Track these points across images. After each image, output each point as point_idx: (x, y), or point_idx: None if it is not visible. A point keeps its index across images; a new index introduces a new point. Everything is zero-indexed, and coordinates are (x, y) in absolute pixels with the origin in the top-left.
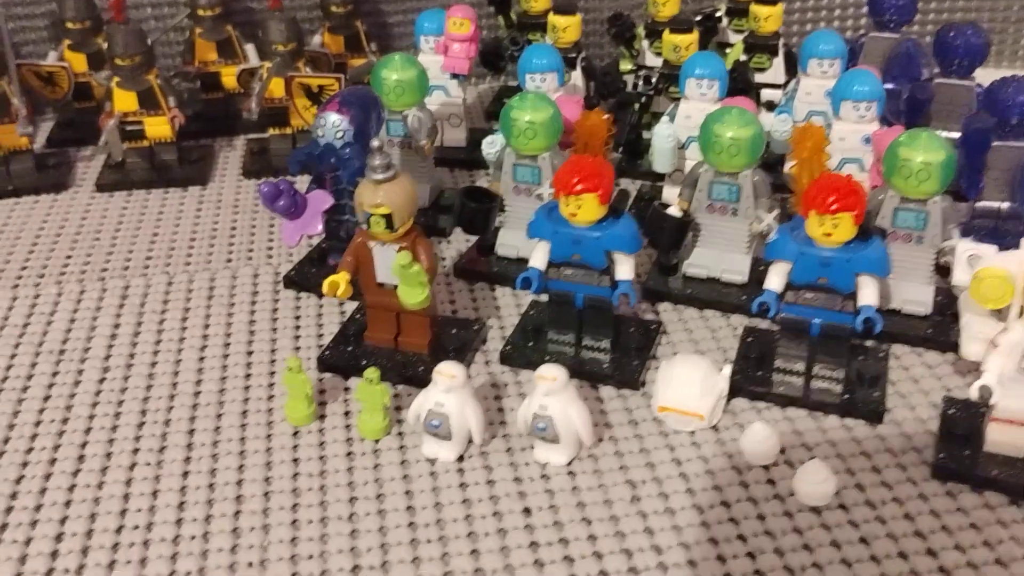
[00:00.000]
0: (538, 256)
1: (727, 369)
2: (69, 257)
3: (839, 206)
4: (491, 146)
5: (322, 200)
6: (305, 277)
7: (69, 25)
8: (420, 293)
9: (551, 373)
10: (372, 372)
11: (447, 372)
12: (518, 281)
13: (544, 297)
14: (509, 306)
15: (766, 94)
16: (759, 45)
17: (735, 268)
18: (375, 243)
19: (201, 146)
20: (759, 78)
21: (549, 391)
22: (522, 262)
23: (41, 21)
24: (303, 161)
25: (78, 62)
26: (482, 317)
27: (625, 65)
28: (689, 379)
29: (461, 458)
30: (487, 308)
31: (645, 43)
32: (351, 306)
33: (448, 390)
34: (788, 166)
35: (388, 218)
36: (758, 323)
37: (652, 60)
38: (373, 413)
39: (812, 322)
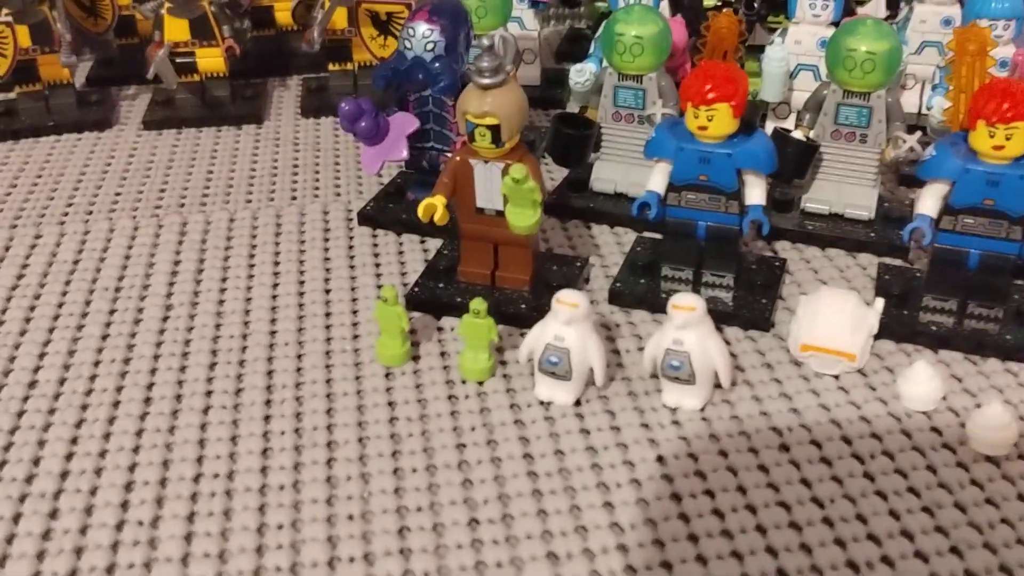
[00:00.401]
0: (657, 178)
1: (879, 303)
2: (119, 194)
3: (1014, 114)
4: (580, 74)
5: (407, 123)
6: (382, 213)
7: None
8: (532, 215)
9: (688, 302)
10: (478, 303)
11: (569, 301)
12: (634, 206)
13: (648, 233)
14: (609, 244)
15: None
16: None
17: (860, 203)
18: (477, 161)
19: (253, 83)
20: (859, 11)
21: (686, 323)
22: (621, 198)
23: None
24: (389, 77)
25: None
26: (582, 254)
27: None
28: (837, 314)
29: (578, 402)
30: (585, 247)
31: None
32: (435, 243)
33: (570, 321)
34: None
35: (495, 130)
36: (890, 262)
37: None
38: (478, 351)
39: (970, 252)
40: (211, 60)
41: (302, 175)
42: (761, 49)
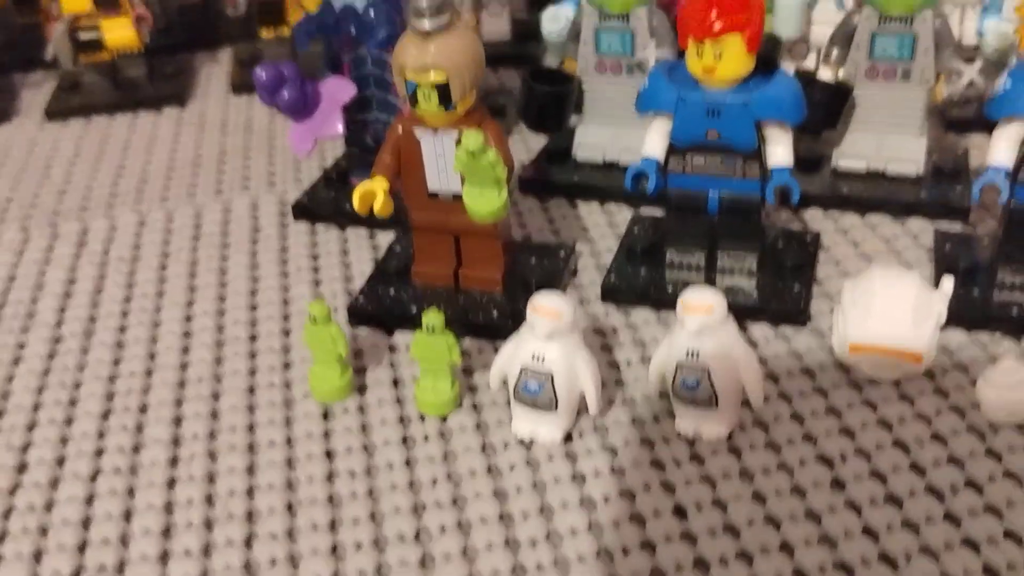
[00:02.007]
0: (654, 140)
1: (947, 284)
2: (10, 200)
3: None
4: (555, 21)
5: (341, 89)
6: (320, 203)
7: None
8: (496, 197)
9: (703, 301)
10: (433, 316)
11: (548, 309)
12: (628, 177)
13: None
14: (600, 226)
15: None
16: None
17: (906, 155)
18: (424, 131)
19: (176, 59)
20: None
21: (703, 327)
22: (610, 168)
23: None
24: (312, 33)
25: None
26: (566, 241)
27: None
28: (894, 303)
29: (568, 437)
30: (570, 230)
31: None
32: (386, 237)
33: (551, 335)
34: None
35: (443, 89)
36: (948, 227)
37: None
38: (437, 378)
39: None
40: (120, 33)
41: (230, 164)
42: None
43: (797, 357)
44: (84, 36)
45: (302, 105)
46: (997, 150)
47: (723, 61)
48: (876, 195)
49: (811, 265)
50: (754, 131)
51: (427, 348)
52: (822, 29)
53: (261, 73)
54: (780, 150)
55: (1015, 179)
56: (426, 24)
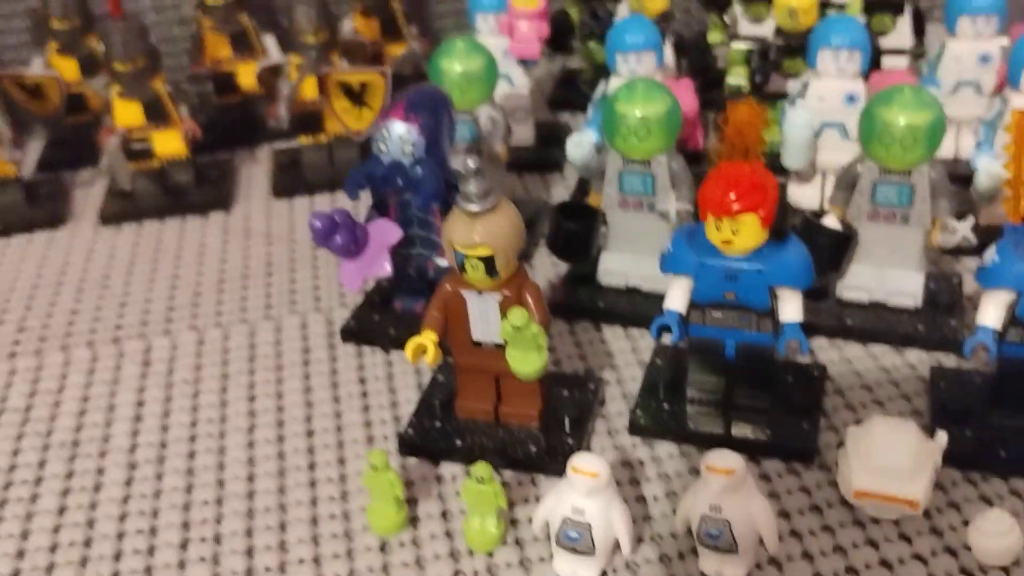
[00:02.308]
0: (676, 295)
1: (942, 437)
2: (75, 312)
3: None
4: (578, 148)
5: (388, 232)
6: (367, 327)
7: (55, 24)
8: (537, 359)
9: (727, 464)
10: (482, 468)
11: (587, 470)
12: (653, 329)
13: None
14: (624, 352)
15: (888, 62)
16: (881, 3)
17: (905, 289)
18: (470, 292)
19: (219, 162)
20: (881, 43)
21: (725, 488)
22: (632, 293)
23: (20, 21)
24: (363, 185)
25: (68, 68)
26: (593, 369)
27: (715, 36)
28: (894, 453)
29: (604, 574)
30: (596, 356)
31: (738, 9)
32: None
33: (590, 493)
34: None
35: (489, 261)
36: (942, 358)
37: (748, 29)
38: (485, 518)
39: None
40: (169, 143)
41: (277, 276)
42: (779, 97)
43: (807, 493)
44: (136, 146)
45: (353, 248)
46: (986, 313)
47: (740, 236)
48: (877, 326)
49: (818, 401)
50: (768, 293)
51: (476, 494)
52: (827, 156)
53: (316, 222)
54: (791, 307)
55: (1003, 338)
56: (474, 207)
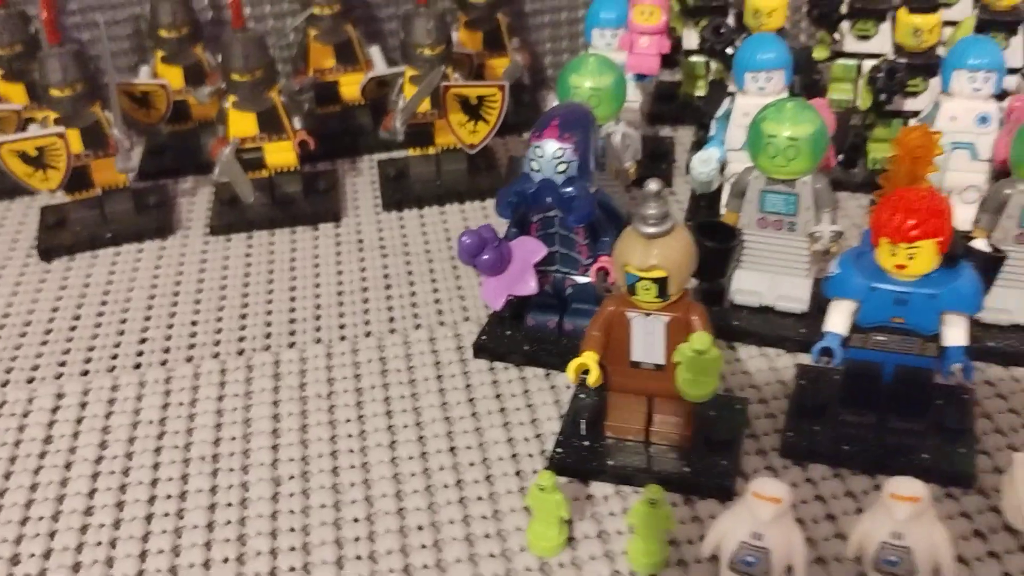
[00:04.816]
0: (838, 319)
1: None
2: (195, 323)
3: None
4: (705, 164)
5: (532, 250)
6: (499, 342)
7: (163, 33)
8: (709, 383)
9: (913, 491)
10: (655, 491)
11: (771, 496)
12: (814, 352)
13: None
14: (762, 371)
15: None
16: (995, 22)
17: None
18: (635, 313)
19: (325, 173)
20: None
21: (910, 516)
22: (766, 311)
23: (125, 28)
24: (515, 203)
25: (173, 77)
26: (732, 388)
27: (820, 53)
28: None
29: None
30: (735, 375)
31: (846, 25)
32: (560, 377)
33: (770, 519)
34: None
35: (662, 283)
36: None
37: (853, 46)
38: (650, 541)
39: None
40: (281, 154)
41: (395, 289)
42: (896, 115)
43: (969, 519)
44: (247, 156)
45: (499, 265)
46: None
47: (915, 261)
48: (1020, 349)
49: (972, 424)
50: (937, 318)
51: (647, 517)
52: (958, 176)
53: (465, 239)
54: (958, 332)
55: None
56: (651, 229)
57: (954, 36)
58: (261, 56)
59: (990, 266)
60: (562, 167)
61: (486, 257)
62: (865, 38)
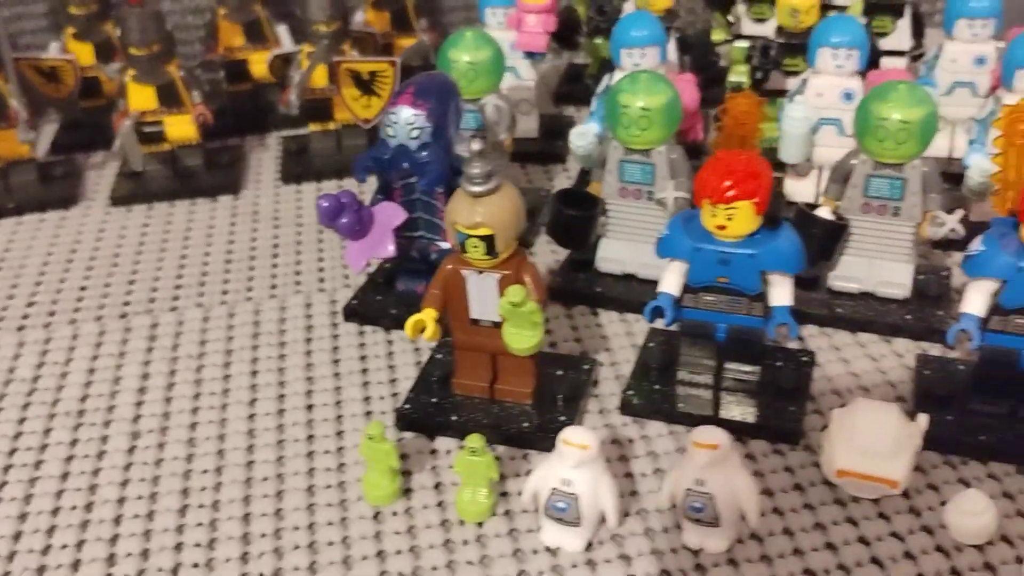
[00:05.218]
0: (671, 279)
1: (923, 420)
2: (83, 288)
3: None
4: (582, 137)
5: (392, 214)
6: (369, 307)
7: (73, 10)
8: (532, 336)
9: (712, 439)
10: (475, 440)
11: (578, 442)
12: (647, 311)
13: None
14: (619, 335)
15: (886, 63)
16: (881, 5)
17: (895, 279)
18: (470, 271)
19: (229, 147)
20: (881, 44)
21: (710, 462)
22: (629, 279)
23: (39, 6)
24: (371, 167)
25: (84, 53)
26: (588, 351)
27: (718, 35)
28: (876, 435)
29: (590, 545)
30: (592, 339)
31: (742, 8)
32: (427, 343)
33: (578, 465)
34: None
35: (489, 240)
36: (929, 347)
37: (750, 28)
38: (476, 489)
39: (1021, 353)
40: (181, 128)
41: (283, 258)
42: (779, 94)
43: (791, 472)
44: (148, 129)
45: (358, 229)
46: (970, 301)
47: (734, 222)
48: (866, 315)
49: (806, 386)
50: (759, 278)
51: (469, 466)
52: (824, 151)
53: (322, 202)
54: (782, 292)
55: (985, 326)
56: (476, 188)
57: None
58: (158, 30)
59: (834, 234)
60: (415, 133)
61: (344, 220)
62: (761, 21)
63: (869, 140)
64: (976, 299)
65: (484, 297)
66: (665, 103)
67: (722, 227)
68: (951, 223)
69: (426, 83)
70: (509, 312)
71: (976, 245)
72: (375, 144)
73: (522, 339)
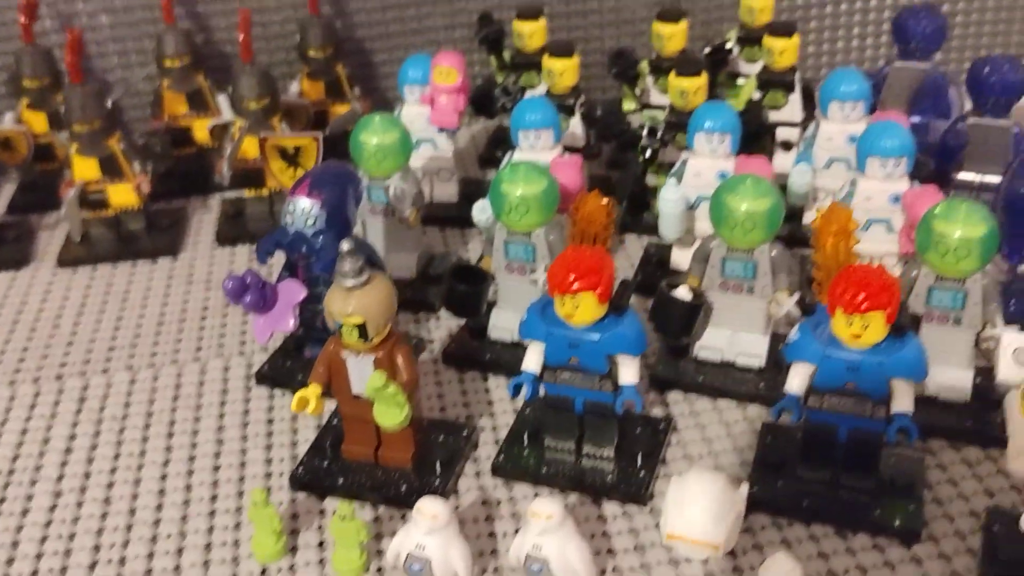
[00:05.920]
0: (532, 358)
1: (744, 488)
2: (25, 349)
3: (869, 304)
4: (482, 212)
5: (294, 292)
6: (279, 372)
7: (26, 83)
8: (398, 414)
9: (545, 510)
10: (345, 508)
11: (428, 512)
12: (510, 387)
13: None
14: (504, 400)
15: (782, 133)
16: (774, 81)
17: (752, 350)
18: (348, 353)
19: (172, 210)
20: (774, 116)
21: (544, 530)
22: (518, 347)
23: None
24: (271, 251)
25: (38, 122)
26: (473, 417)
27: (628, 104)
28: (701, 502)
29: None
30: (479, 403)
31: (650, 80)
32: (329, 406)
33: (430, 531)
34: (808, 218)
35: (361, 328)
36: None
37: (658, 98)
38: (348, 550)
39: (839, 428)
40: (123, 195)
41: (210, 320)
42: (670, 167)
43: (635, 534)
44: (92, 196)
45: (262, 305)
46: (790, 381)
47: (579, 310)
48: (726, 384)
49: (658, 451)
50: (606, 360)
51: (341, 530)
52: (707, 224)
53: (228, 283)
54: (628, 371)
55: (805, 403)
56: (348, 282)
57: (740, 96)
58: (98, 108)
59: (692, 312)
60: (311, 220)
61: (248, 299)
62: (666, 92)
63: (723, 228)
64: (795, 380)
65: (362, 375)
66: (541, 191)
67: (569, 315)
68: (787, 305)
69: (323, 173)
70: (374, 393)
71: (793, 333)
72: (276, 229)
73: (390, 416)
